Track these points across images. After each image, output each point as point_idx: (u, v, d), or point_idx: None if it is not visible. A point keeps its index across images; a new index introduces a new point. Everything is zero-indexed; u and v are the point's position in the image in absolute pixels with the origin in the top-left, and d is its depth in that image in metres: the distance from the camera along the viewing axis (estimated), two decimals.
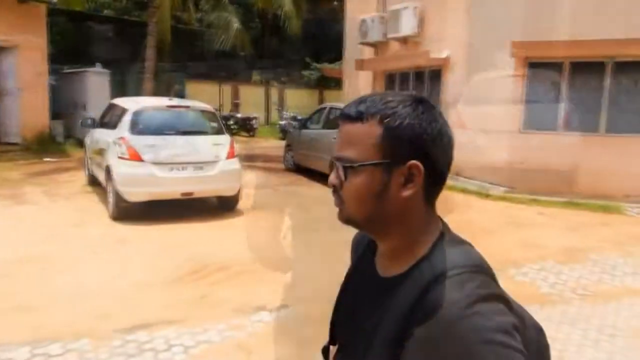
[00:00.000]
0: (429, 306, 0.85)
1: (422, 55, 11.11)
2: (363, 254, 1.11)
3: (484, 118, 9.64)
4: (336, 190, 0.97)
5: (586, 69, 9.42)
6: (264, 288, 4.93)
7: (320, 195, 9.42)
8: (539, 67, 9.65)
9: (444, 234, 0.96)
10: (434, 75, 11.39)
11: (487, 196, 9.02)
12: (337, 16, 30.12)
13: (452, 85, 10.75)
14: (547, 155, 9.45)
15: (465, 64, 10.38)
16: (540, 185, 9.32)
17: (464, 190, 9.51)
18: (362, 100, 0.95)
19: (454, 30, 10.58)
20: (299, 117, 19.81)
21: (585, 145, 9.33)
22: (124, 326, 3.99)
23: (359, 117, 0.93)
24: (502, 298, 0.86)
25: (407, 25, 11.34)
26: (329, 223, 8.09)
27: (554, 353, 1.12)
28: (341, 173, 0.94)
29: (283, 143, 14.70)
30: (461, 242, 0.96)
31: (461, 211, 7.86)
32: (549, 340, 1.10)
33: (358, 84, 13.98)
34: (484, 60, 9.93)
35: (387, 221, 0.95)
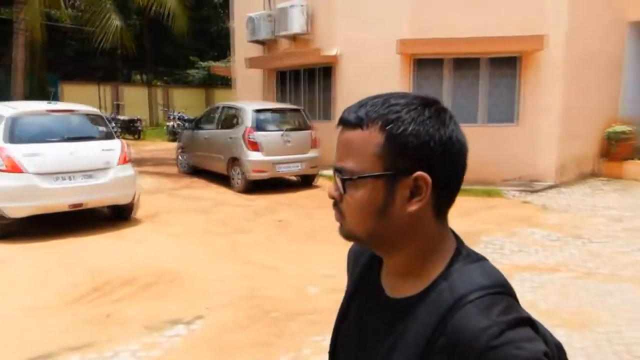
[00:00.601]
0: (452, 334, 0.78)
1: (312, 53, 11.26)
2: (365, 270, 1.01)
3: None
4: (336, 203, 0.89)
5: (465, 65, 10.15)
6: (175, 300, 4.70)
7: (220, 197, 9.21)
8: (424, 63, 10.22)
9: (460, 250, 0.89)
10: (325, 72, 11.59)
11: None
12: (221, 14, 29.62)
13: (342, 82, 11.01)
14: None
15: (355, 61, 10.69)
16: None
17: None
18: (362, 104, 0.86)
19: (343, 28, 10.85)
20: (186, 117, 19.24)
21: (468, 135, 10.00)
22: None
23: (358, 124, 0.84)
24: (529, 321, 0.80)
25: (296, 23, 11.42)
26: (231, 225, 7.82)
27: None
28: (340, 186, 0.86)
29: (172, 145, 14.14)
30: (479, 259, 0.89)
31: None
32: None
33: (249, 82, 13.85)
34: (373, 58, 10.30)
35: (393, 238, 0.87)
